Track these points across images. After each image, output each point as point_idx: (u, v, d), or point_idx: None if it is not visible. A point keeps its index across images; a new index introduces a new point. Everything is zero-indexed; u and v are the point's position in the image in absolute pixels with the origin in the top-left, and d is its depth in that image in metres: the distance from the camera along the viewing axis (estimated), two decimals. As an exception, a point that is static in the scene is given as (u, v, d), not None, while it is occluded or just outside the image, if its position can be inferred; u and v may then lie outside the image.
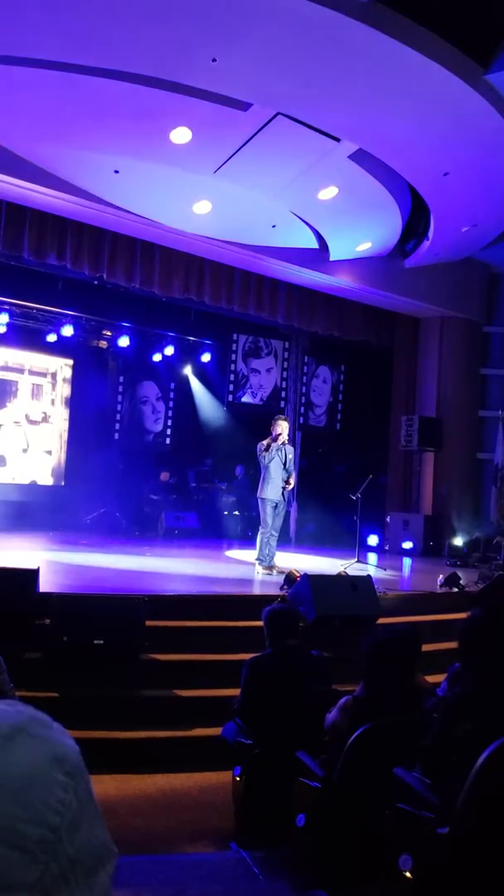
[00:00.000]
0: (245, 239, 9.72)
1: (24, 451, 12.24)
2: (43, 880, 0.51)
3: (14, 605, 5.03)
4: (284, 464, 8.11)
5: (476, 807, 2.24)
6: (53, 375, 12.58)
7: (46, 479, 12.42)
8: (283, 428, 8.17)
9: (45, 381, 12.51)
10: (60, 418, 12.62)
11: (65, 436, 12.61)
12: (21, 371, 12.23)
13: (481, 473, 12.03)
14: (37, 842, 0.52)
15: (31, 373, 12.33)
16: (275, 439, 8.09)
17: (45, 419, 12.48)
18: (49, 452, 12.51)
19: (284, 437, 8.18)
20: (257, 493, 8.25)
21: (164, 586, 7.00)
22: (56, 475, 12.52)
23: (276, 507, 8.11)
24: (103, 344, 12.68)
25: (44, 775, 0.54)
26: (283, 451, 8.13)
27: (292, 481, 8.27)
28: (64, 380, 12.63)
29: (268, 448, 8.08)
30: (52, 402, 12.56)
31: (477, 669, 2.63)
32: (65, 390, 12.65)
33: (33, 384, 12.38)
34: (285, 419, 8.49)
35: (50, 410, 12.54)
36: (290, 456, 8.22)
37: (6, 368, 12.06)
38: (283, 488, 8.12)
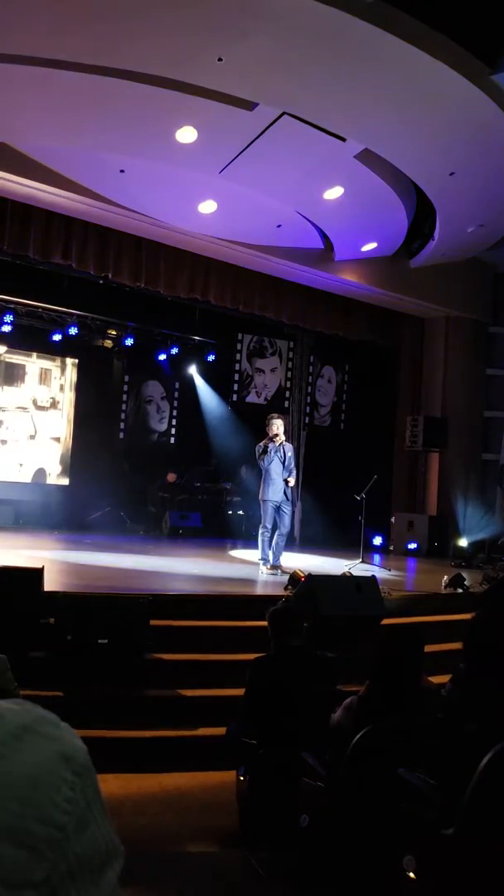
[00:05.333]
0: (250, 239, 9.72)
1: (32, 437, 12.18)
2: (50, 879, 0.51)
3: (19, 605, 5.04)
4: (284, 462, 8.05)
5: (480, 807, 2.24)
6: (62, 359, 12.52)
7: (54, 467, 12.36)
8: (278, 427, 8.05)
9: (53, 366, 12.44)
10: (69, 403, 12.50)
11: (72, 423, 12.52)
12: (29, 354, 12.15)
13: (486, 474, 12.01)
14: (44, 840, 0.52)
15: (40, 356, 12.22)
16: (271, 440, 8.01)
17: (54, 405, 12.41)
18: (57, 439, 12.44)
19: (282, 436, 8.11)
20: (259, 495, 8.19)
21: (168, 586, 7.01)
22: (63, 462, 12.45)
23: (278, 507, 8.05)
24: (108, 343, 12.69)
25: (52, 774, 0.54)
26: (282, 450, 8.04)
27: (292, 480, 8.17)
28: (73, 364, 12.56)
29: (265, 451, 7.97)
30: (62, 387, 12.50)
31: (482, 670, 2.63)
32: (73, 375, 12.56)
33: (41, 368, 12.30)
34: (280, 417, 8.32)
35: (58, 396, 12.47)
36: (290, 454, 8.11)
37: (14, 351, 11.96)
38: (286, 485, 8.04)
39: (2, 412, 11.88)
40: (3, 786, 0.52)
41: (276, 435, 8.00)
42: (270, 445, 7.97)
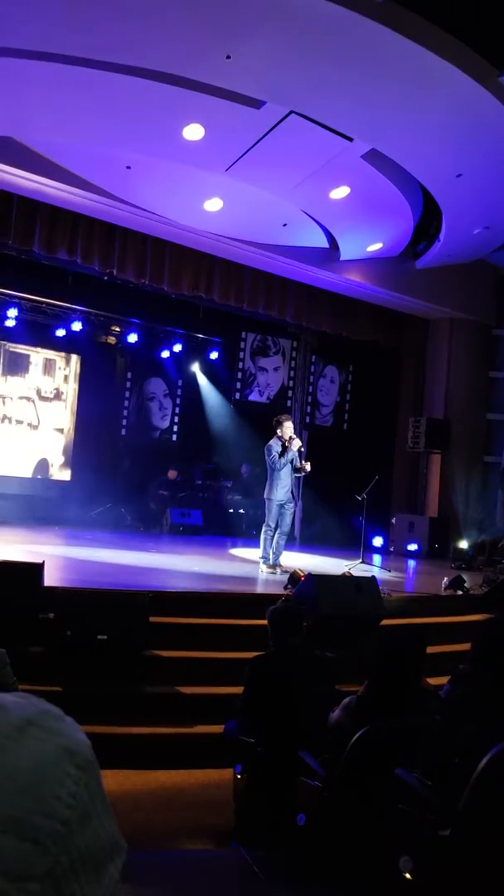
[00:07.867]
0: (255, 237, 9.72)
1: (35, 427, 12.15)
2: (53, 872, 0.51)
3: (18, 599, 5.05)
4: (293, 463, 8.07)
5: (477, 809, 2.24)
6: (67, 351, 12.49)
7: (57, 458, 12.36)
8: (291, 429, 8.11)
9: (58, 356, 12.40)
10: (72, 394, 12.45)
11: (75, 414, 12.48)
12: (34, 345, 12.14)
13: (488, 476, 12.01)
14: (47, 834, 0.52)
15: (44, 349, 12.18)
16: (290, 442, 8.00)
17: (58, 396, 12.38)
18: (60, 430, 12.42)
19: (297, 438, 8.14)
20: (265, 494, 8.18)
21: (168, 583, 7.01)
22: (66, 453, 12.44)
23: (282, 506, 8.07)
24: (112, 340, 12.67)
25: (55, 768, 0.54)
26: (295, 452, 8.09)
27: (308, 466, 8.10)
28: (77, 359, 12.53)
29: (283, 454, 7.95)
30: (66, 377, 12.48)
31: (487, 672, 2.63)
32: (77, 366, 12.53)
33: (46, 358, 12.24)
34: (289, 418, 8.39)
35: (62, 387, 12.45)
36: (297, 451, 8.16)
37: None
38: (299, 475, 7.99)
39: (4, 401, 11.86)
40: (7, 779, 0.52)
41: (293, 438, 8.00)
42: (289, 449, 7.96)
